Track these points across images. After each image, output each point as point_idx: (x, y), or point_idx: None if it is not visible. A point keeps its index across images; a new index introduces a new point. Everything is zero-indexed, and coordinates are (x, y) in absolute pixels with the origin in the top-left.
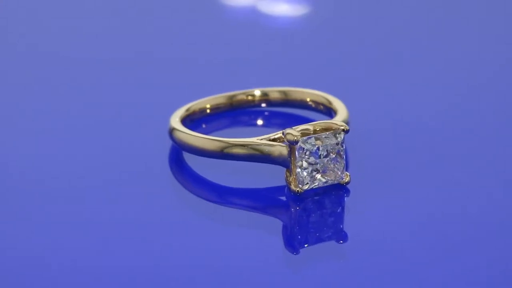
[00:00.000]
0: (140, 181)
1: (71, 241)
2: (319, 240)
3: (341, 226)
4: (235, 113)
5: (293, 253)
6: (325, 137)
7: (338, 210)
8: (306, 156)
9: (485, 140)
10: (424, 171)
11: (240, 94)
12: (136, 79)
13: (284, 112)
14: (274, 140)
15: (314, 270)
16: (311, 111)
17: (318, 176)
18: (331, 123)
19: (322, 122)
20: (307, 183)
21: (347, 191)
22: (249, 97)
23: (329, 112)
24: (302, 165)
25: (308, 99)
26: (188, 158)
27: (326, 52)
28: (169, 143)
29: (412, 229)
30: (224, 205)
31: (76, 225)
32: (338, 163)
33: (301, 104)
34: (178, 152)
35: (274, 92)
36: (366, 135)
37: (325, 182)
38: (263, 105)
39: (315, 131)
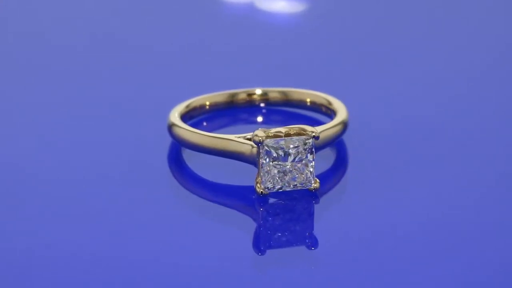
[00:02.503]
0: (138, 178)
1: (68, 239)
2: (289, 243)
3: (312, 231)
4: (236, 111)
5: (258, 253)
6: (293, 141)
7: (308, 216)
8: (272, 158)
9: (484, 139)
10: (424, 171)
11: (240, 92)
12: (134, 76)
13: (286, 111)
14: (250, 139)
15: (279, 272)
16: (311, 111)
17: (286, 179)
18: (303, 128)
19: (297, 126)
20: (272, 185)
21: (316, 197)
22: (249, 96)
23: (329, 112)
24: (267, 167)
25: (308, 100)
26: (187, 154)
27: (325, 49)
28: (168, 140)
29: (412, 229)
30: (205, 200)
31: (73, 223)
32: (306, 169)
33: (301, 105)
34: (177, 149)
35: (274, 92)
36: (366, 135)
37: (294, 186)
38: (262, 104)
39: (288, 134)
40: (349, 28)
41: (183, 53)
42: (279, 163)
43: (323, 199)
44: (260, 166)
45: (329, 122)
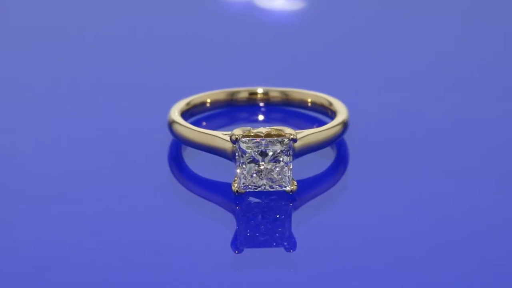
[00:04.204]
0: (137, 175)
1: (66, 237)
2: (267, 244)
3: (290, 233)
4: (236, 109)
5: (235, 251)
6: (270, 142)
7: (287, 218)
8: (249, 158)
9: (485, 138)
10: (425, 172)
11: (241, 91)
12: (135, 74)
13: (287, 110)
14: None
15: (254, 271)
16: (311, 111)
17: (262, 179)
18: (282, 129)
19: (279, 127)
20: (247, 184)
21: (294, 199)
22: (250, 95)
23: (330, 113)
24: (243, 166)
25: (308, 100)
26: (186, 152)
27: (324, 48)
28: (168, 137)
29: (411, 228)
30: (189, 196)
31: (72, 221)
32: (283, 171)
33: (302, 105)
34: (177, 146)
35: (275, 91)
36: (367, 135)
37: (270, 187)
38: (261, 104)
39: (268, 135)
40: (349, 26)
41: (184, 51)
42: (256, 163)
43: (322, 198)
44: (237, 164)
45: (329, 122)
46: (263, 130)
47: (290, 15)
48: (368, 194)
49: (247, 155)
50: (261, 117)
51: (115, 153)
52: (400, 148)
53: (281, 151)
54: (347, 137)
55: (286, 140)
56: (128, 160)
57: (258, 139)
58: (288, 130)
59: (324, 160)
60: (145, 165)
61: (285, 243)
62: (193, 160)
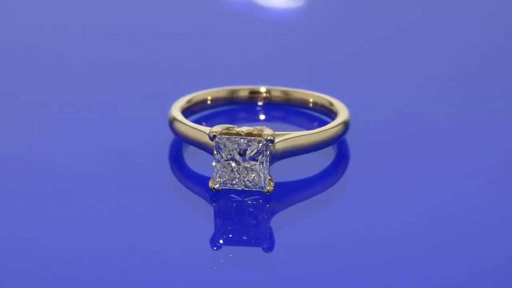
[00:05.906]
0: (138, 175)
1: (65, 237)
2: (246, 243)
3: (270, 233)
4: (237, 108)
5: (212, 248)
6: (247, 141)
7: (265, 217)
8: (225, 155)
9: (487, 138)
10: (425, 172)
11: (242, 89)
12: (133, 76)
13: (288, 109)
14: None
15: (233, 269)
16: (313, 111)
17: (238, 177)
18: (262, 129)
19: (260, 127)
20: (223, 182)
21: (270, 200)
22: (251, 94)
23: (332, 114)
24: (219, 163)
25: (310, 100)
26: (186, 150)
27: (325, 46)
28: (169, 137)
29: (411, 227)
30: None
31: (70, 218)
32: (259, 171)
33: (303, 105)
34: (178, 145)
35: (276, 91)
36: (368, 135)
37: (246, 186)
38: (260, 103)
39: (249, 134)
40: (350, 26)
41: (185, 50)
42: (232, 161)
43: (322, 197)
44: (214, 161)
45: (330, 121)
46: (245, 129)
47: (290, 13)
48: (368, 194)
49: (224, 152)
50: (262, 116)
51: (115, 153)
52: (400, 148)
53: (258, 151)
54: (348, 136)
55: (263, 140)
56: (129, 159)
57: (237, 138)
58: (266, 131)
59: (324, 159)
60: (145, 165)
61: (264, 244)
62: (194, 159)
